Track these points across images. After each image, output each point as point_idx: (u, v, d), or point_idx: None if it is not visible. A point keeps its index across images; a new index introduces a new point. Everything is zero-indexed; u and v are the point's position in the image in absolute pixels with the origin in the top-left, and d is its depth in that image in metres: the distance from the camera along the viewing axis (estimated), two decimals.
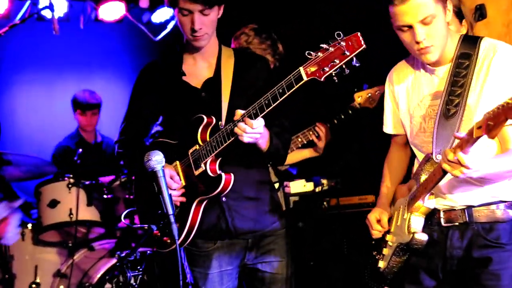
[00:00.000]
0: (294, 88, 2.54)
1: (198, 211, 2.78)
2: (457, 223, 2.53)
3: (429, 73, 2.59)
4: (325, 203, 4.47)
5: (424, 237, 2.51)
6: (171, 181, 2.78)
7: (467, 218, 2.50)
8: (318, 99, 4.61)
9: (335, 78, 2.49)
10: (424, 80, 2.61)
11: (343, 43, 2.44)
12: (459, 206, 2.52)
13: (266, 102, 2.59)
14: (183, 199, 2.79)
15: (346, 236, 4.40)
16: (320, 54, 2.49)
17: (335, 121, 4.01)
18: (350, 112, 3.95)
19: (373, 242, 2.84)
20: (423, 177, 2.52)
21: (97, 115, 5.71)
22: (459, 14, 3.02)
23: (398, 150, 2.85)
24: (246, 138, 2.64)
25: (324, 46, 2.48)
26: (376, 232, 2.73)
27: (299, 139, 3.98)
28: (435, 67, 2.57)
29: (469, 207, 2.50)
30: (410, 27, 2.42)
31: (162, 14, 6.00)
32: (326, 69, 2.47)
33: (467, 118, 2.47)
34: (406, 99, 2.67)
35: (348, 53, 2.44)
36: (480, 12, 3.33)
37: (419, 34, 2.41)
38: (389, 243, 2.67)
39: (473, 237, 2.50)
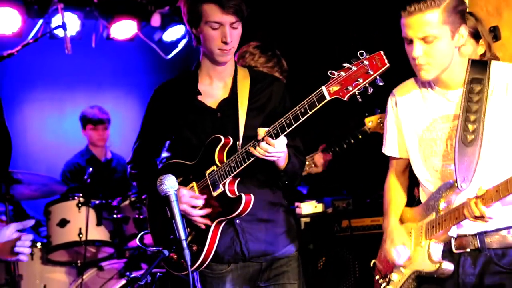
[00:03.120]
0: (316, 108, 2.50)
1: (216, 233, 2.75)
2: (468, 250, 2.50)
3: (440, 95, 2.57)
4: (336, 224, 4.42)
5: (451, 266, 2.49)
6: (193, 200, 2.74)
7: (479, 245, 2.48)
8: (329, 123, 4.60)
9: (358, 97, 2.46)
10: (434, 103, 2.58)
11: (366, 62, 2.42)
12: (470, 232, 2.49)
13: (287, 122, 2.56)
14: (208, 221, 2.76)
15: (357, 258, 4.35)
16: (342, 73, 2.46)
17: (345, 146, 3.99)
18: (360, 136, 3.93)
19: (372, 265, 2.81)
20: (442, 204, 2.50)
21: (107, 130, 5.74)
22: (475, 35, 3.01)
23: (399, 174, 2.81)
24: (267, 158, 2.62)
25: (347, 65, 2.45)
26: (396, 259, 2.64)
27: (307, 162, 3.96)
28: (446, 90, 2.55)
29: (481, 233, 2.48)
30: (412, 41, 2.43)
31: (173, 33, 6.03)
32: (350, 88, 2.44)
33: (486, 144, 2.46)
34: (412, 122, 2.64)
35: (372, 72, 2.41)
36: (494, 34, 3.32)
37: (416, 51, 2.43)
38: (401, 269, 2.63)
39: (486, 263, 2.48)
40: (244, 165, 2.66)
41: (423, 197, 2.66)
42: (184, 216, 2.76)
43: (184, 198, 2.73)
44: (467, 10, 2.65)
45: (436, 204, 2.52)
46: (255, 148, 2.61)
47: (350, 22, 5.02)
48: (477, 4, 3.92)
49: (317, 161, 4.00)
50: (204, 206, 2.78)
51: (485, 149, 2.45)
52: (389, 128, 2.75)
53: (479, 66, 2.53)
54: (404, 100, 2.67)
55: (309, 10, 5.26)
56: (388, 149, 2.78)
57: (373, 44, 4.59)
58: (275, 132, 2.59)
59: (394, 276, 2.65)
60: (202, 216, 2.77)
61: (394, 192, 2.80)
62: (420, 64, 2.46)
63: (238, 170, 2.68)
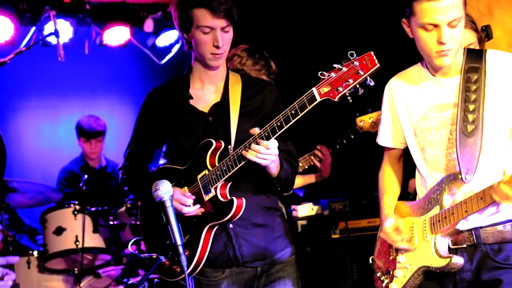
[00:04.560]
0: (307, 109, 2.50)
1: (208, 237, 2.74)
2: (465, 246, 2.50)
3: (435, 84, 2.55)
4: (333, 226, 4.42)
5: (461, 260, 2.46)
6: (183, 197, 2.73)
7: (475, 240, 2.47)
8: (320, 123, 4.60)
9: (349, 98, 2.46)
10: (429, 92, 2.57)
11: (356, 63, 2.42)
12: (466, 228, 2.48)
13: (278, 124, 2.56)
14: (202, 209, 2.74)
15: (355, 259, 4.34)
16: (333, 74, 2.46)
17: (337, 146, 3.99)
18: (352, 136, 3.93)
19: (370, 262, 2.79)
20: (446, 197, 2.47)
21: (102, 142, 5.70)
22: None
23: (393, 164, 2.80)
24: (259, 160, 2.60)
25: (337, 66, 2.46)
26: (401, 242, 2.59)
27: (301, 164, 3.95)
28: (441, 78, 2.53)
29: (476, 228, 2.47)
30: (436, 26, 2.38)
31: (166, 38, 6.03)
32: (340, 89, 2.44)
33: (487, 133, 2.44)
34: (407, 112, 2.63)
35: (362, 73, 2.41)
36: (486, 33, 3.33)
37: (445, 36, 2.37)
38: (406, 265, 2.59)
39: (482, 259, 2.47)
40: (236, 169, 2.66)
41: (419, 187, 2.64)
42: (179, 221, 2.75)
43: (175, 195, 2.70)
44: None
45: (439, 198, 2.49)
46: (247, 150, 2.60)
47: (350, 18, 5.01)
48: (468, 3, 3.91)
49: (316, 155, 3.99)
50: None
51: (486, 138, 2.44)
52: (384, 118, 2.72)
53: (475, 55, 2.51)
54: (400, 89, 2.65)
55: (309, 6, 5.27)
56: (382, 139, 2.76)
57: (373, 40, 4.61)
58: (266, 134, 2.58)
59: (398, 272, 2.61)
60: (191, 220, 2.76)
61: (388, 182, 2.78)
62: (447, 50, 2.40)
63: (229, 174, 2.67)
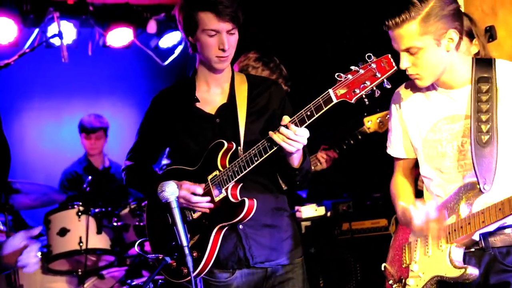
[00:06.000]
0: (323, 111, 2.50)
1: (217, 238, 2.73)
2: (473, 249, 2.49)
3: (444, 95, 2.55)
4: (337, 227, 4.42)
5: (476, 271, 2.45)
6: (193, 186, 2.71)
7: (483, 244, 2.47)
8: (327, 123, 4.59)
9: (365, 100, 2.47)
10: (438, 103, 2.57)
11: (373, 65, 2.43)
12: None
13: (294, 124, 2.55)
14: (211, 205, 2.74)
15: (359, 260, 4.34)
16: (350, 76, 2.47)
17: (344, 146, 3.97)
18: (359, 136, 3.91)
19: (383, 269, 2.77)
20: (463, 207, 2.45)
21: (103, 139, 5.71)
22: (469, 34, 3.01)
23: (405, 175, 2.78)
24: (284, 145, 2.56)
25: (354, 68, 2.47)
26: (434, 226, 2.49)
27: (312, 161, 3.95)
28: (450, 90, 2.54)
29: (484, 232, 2.46)
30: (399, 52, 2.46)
31: (169, 39, 6.04)
32: (357, 91, 2.45)
33: (503, 143, 2.45)
34: (416, 123, 2.62)
35: (379, 75, 2.42)
36: (490, 34, 3.33)
37: (403, 63, 2.45)
38: (419, 273, 2.56)
39: (490, 262, 2.47)
40: (248, 169, 2.65)
41: (427, 198, 2.63)
42: (189, 222, 2.76)
43: (184, 185, 2.71)
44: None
45: (455, 207, 2.48)
46: (275, 133, 2.57)
47: (343, 19, 5.02)
48: (472, 4, 3.93)
49: (320, 158, 3.99)
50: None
51: (502, 148, 2.44)
52: (393, 128, 2.72)
53: (484, 65, 2.52)
54: (407, 100, 2.65)
55: (301, 7, 5.27)
56: (393, 150, 2.75)
57: (366, 41, 4.61)
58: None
59: (411, 281, 2.59)
60: (200, 221, 2.75)
61: (402, 188, 2.75)
62: (411, 74, 2.48)
63: (241, 175, 2.67)
